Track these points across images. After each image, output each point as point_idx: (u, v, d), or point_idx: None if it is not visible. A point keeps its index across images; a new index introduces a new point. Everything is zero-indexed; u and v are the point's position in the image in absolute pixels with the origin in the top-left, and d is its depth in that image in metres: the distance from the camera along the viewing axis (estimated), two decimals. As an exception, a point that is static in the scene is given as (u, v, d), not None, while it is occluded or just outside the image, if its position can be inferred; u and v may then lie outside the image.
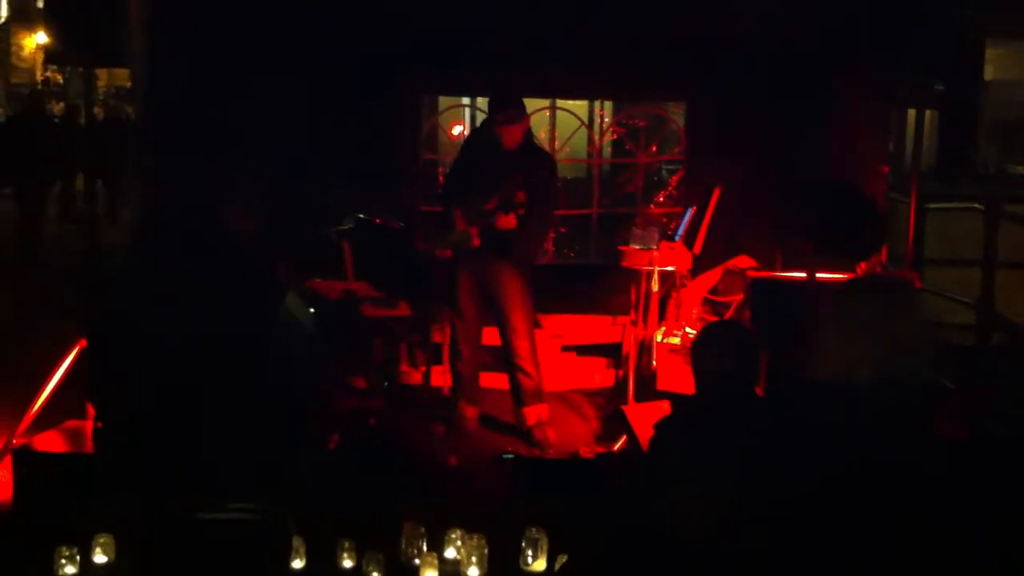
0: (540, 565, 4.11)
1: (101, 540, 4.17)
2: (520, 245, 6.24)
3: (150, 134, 6.32)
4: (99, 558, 4.16)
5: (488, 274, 6.30)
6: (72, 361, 5.45)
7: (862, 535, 2.78)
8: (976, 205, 7.41)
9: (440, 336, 6.91)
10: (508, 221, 6.11)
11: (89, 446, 4.87)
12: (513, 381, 6.39)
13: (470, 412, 6.44)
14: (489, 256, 6.26)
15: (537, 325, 6.75)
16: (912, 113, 10.34)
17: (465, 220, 6.25)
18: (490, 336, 6.52)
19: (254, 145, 5.65)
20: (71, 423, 5.53)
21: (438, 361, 7.01)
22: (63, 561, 4.08)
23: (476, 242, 6.21)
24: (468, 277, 6.34)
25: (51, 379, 5.48)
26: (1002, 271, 6.93)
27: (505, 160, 6.24)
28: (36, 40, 24.28)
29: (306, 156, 6.79)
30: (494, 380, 6.75)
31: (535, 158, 6.39)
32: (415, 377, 7.08)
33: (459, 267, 6.37)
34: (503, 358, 6.43)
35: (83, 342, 5.07)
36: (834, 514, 2.80)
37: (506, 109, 6.24)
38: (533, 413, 6.35)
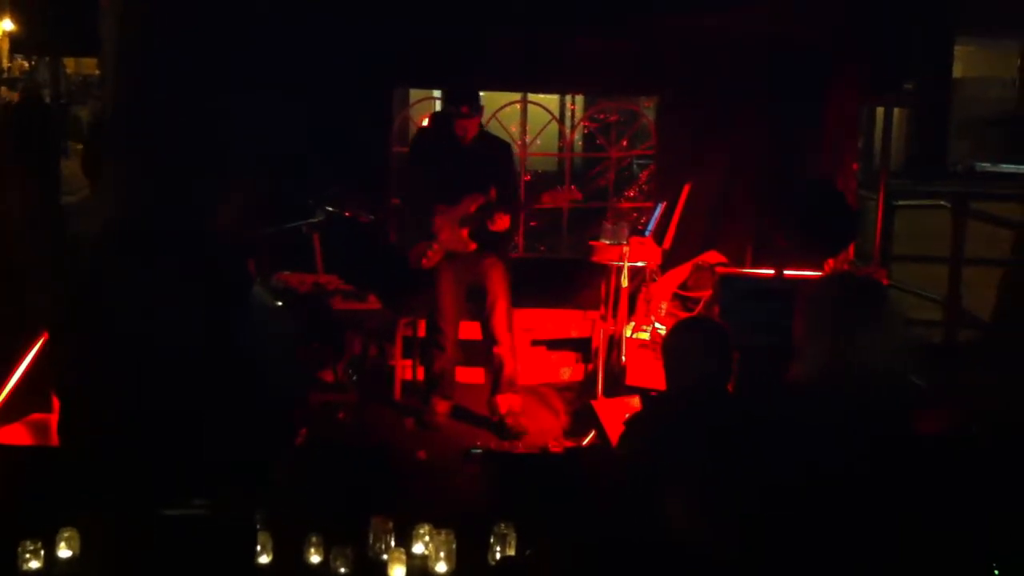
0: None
1: (65, 534, 4.12)
2: (505, 239, 6.35)
3: (120, 129, 6.23)
4: (63, 552, 4.10)
5: (475, 267, 6.33)
6: (36, 355, 5.40)
7: (839, 537, 2.78)
8: (943, 203, 7.45)
9: (410, 330, 6.91)
10: (503, 222, 6.16)
11: (54, 439, 4.82)
12: (490, 368, 6.43)
13: (441, 407, 6.43)
14: (476, 252, 6.32)
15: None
16: (880, 111, 10.39)
17: (450, 224, 6.26)
18: (463, 331, 6.54)
19: (227, 141, 5.60)
20: (36, 416, 5.47)
21: (408, 355, 7.01)
22: (27, 555, 4.02)
23: (472, 246, 6.26)
24: (451, 272, 6.35)
25: (14, 372, 5.43)
26: (969, 268, 6.97)
27: (469, 155, 6.29)
28: (3, 27, 23.98)
29: (280, 152, 6.75)
30: (466, 375, 6.75)
31: (496, 148, 6.46)
32: (384, 371, 7.06)
33: (441, 263, 6.37)
34: (484, 346, 6.45)
35: (46, 335, 5.03)
36: (809, 515, 2.80)
37: (469, 102, 6.26)
38: (505, 402, 6.39)
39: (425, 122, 9.35)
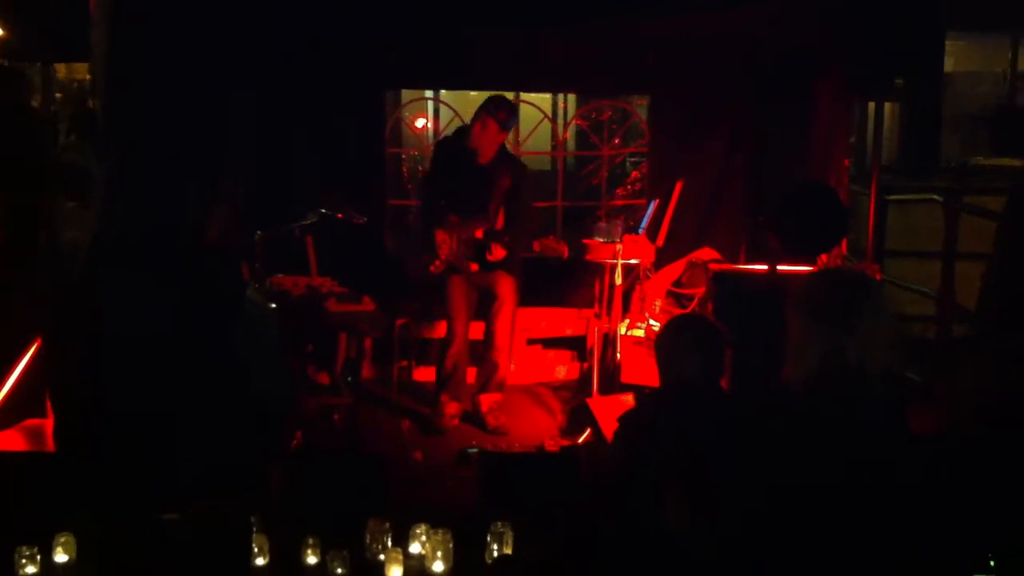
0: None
1: (62, 540, 4.12)
2: (512, 259, 6.38)
3: (110, 134, 6.22)
4: (60, 558, 4.10)
5: (482, 275, 6.38)
6: (29, 360, 5.39)
7: (837, 537, 2.78)
8: (936, 197, 7.46)
9: (406, 332, 6.92)
10: (499, 253, 6.21)
11: (50, 445, 4.82)
12: (484, 368, 6.47)
13: (451, 409, 6.43)
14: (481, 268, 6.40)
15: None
16: (872, 106, 10.39)
17: (454, 243, 6.31)
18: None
19: (219, 146, 5.59)
20: (31, 422, 5.47)
21: (404, 356, 7.01)
22: (23, 561, 4.02)
23: (474, 267, 6.31)
24: (461, 275, 6.39)
25: (8, 378, 5.42)
26: (962, 262, 6.97)
27: (482, 175, 6.32)
28: (-6, 33, 23.87)
29: (273, 156, 6.75)
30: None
31: (510, 168, 6.48)
32: (380, 373, 7.06)
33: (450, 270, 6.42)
34: (482, 346, 6.47)
35: (39, 341, 5.03)
36: (803, 513, 2.80)
37: (508, 110, 6.33)
38: (488, 400, 6.44)
39: (420, 123, 9.38)
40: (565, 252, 6.47)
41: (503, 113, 6.31)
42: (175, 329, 3.13)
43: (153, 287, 3.14)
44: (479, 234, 6.30)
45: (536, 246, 6.41)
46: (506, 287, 6.38)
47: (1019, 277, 5.34)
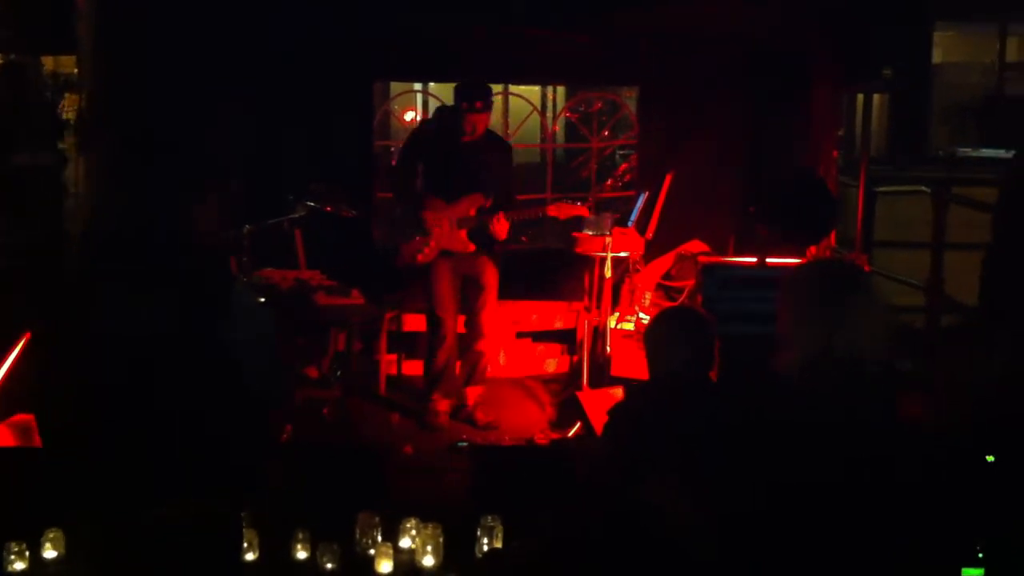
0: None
1: (51, 535, 4.11)
2: (502, 239, 6.33)
3: (96, 130, 6.19)
4: (49, 553, 4.10)
5: (470, 262, 6.32)
6: (17, 355, 5.37)
7: (831, 532, 2.78)
8: (924, 188, 7.46)
9: (394, 325, 6.90)
10: (503, 228, 6.14)
11: (38, 440, 4.80)
12: (468, 358, 6.43)
13: (443, 406, 6.39)
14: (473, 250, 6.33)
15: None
16: (860, 98, 10.40)
17: (448, 224, 6.24)
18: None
19: (207, 141, 5.58)
20: (19, 417, 5.44)
21: (393, 349, 7.00)
22: (12, 557, 4.01)
23: (472, 247, 6.23)
24: (447, 265, 6.32)
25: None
26: (951, 253, 6.97)
27: (469, 153, 6.24)
28: (-21, 26, 23.69)
29: (262, 149, 6.74)
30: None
31: (496, 147, 6.42)
32: (369, 366, 7.05)
33: (438, 258, 6.35)
34: (466, 339, 6.45)
35: (28, 335, 5.00)
36: (794, 507, 2.80)
37: (483, 97, 6.24)
38: (474, 393, 6.43)
39: (410, 115, 9.36)
40: (586, 212, 6.37)
41: (479, 103, 6.25)
42: (171, 325, 3.12)
43: (149, 283, 3.13)
44: (472, 212, 6.24)
45: (551, 210, 6.30)
46: (491, 275, 6.34)
47: (1014, 266, 5.35)
